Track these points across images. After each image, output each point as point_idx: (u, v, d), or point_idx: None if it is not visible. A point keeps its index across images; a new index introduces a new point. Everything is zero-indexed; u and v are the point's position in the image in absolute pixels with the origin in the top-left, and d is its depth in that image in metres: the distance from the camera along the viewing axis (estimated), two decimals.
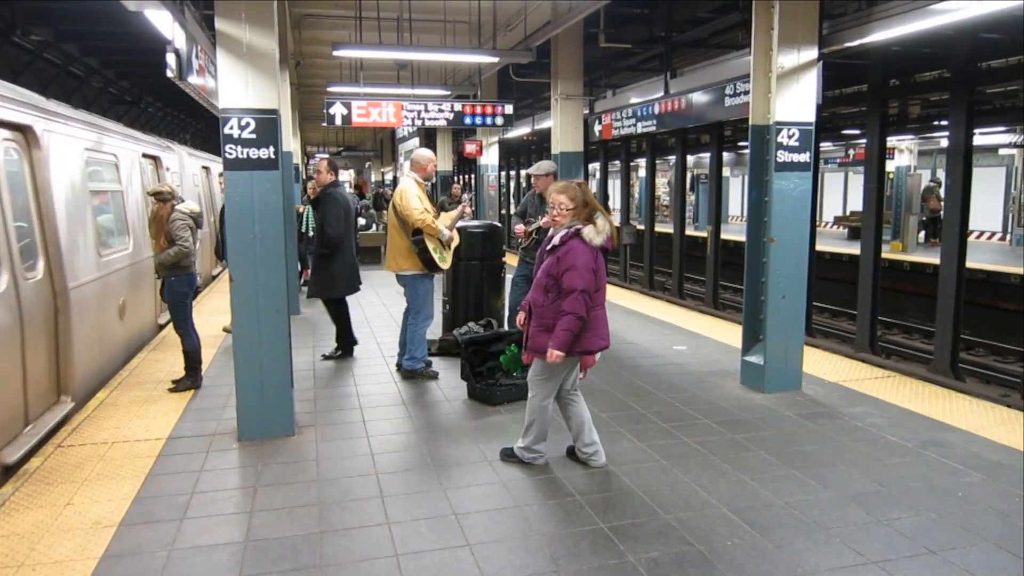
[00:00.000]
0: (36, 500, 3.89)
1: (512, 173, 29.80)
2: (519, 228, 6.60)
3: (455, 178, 14.12)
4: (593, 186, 24.76)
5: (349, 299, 7.04)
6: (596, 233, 3.96)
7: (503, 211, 24.06)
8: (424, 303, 6.15)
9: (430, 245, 5.91)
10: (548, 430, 4.34)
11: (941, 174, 20.48)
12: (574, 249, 3.96)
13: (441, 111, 9.15)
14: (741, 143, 20.26)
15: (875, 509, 3.76)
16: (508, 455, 4.43)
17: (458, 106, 9.25)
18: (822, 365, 6.57)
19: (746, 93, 7.18)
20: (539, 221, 6.18)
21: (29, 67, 10.66)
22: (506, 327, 6.87)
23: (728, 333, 7.94)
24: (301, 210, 10.45)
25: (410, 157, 6.30)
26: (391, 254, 6.15)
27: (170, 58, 4.90)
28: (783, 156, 5.62)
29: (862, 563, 3.25)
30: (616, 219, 22.05)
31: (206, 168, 13.75)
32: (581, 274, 3.92)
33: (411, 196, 5.94)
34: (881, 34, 6.28)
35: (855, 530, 3.55)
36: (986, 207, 19.93)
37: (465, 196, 7.73)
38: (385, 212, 15.99)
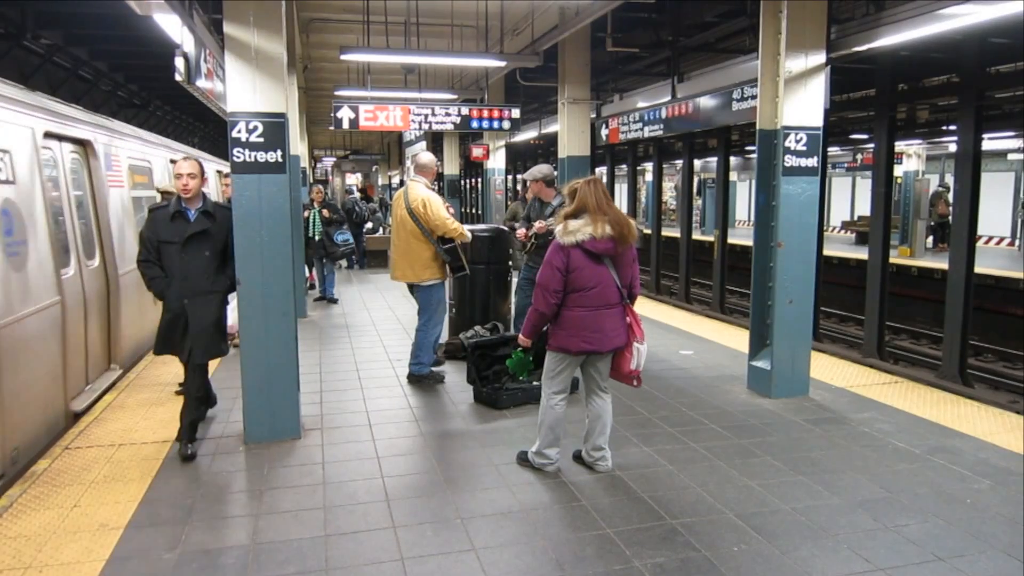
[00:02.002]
0: (43, 502, 3.90)
1: (519, 177, 29.83)
2: (520, 232, 6.61)
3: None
4: None
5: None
6: (564, 232, 3.98)
7: None
8: (437, 310, 6.16)
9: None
10: (560, 437, 4.31)
11: (949, 179, 20.42)
12: (551, 246, 4.08)
13: (448, 115, 9.17)
14: (748, 147, 20.24)
15: (883, 515, 3.74)
16: (523, 459, 4.42)
17: (465, 110, 9.27)
18: (829, 370, 6.54)
19: (753, 97, 7.16)
20: (535, 226, 6.21)
21: (39, 71, 10.74)
22: (512, 331, 6.87)
23: (735, 338, 7.92)
24: (307, 214, 10.47)
25: (415, 161, 6.32)
26: (409, 264, 6.02)
27: (179, 62, 4.92)
28: (791, 160, 5.61)
29: (870, 570, 3.24)
30: None
31: (82, 145, 6.49)
32: (543, 270, 4.04)
33: (439, 204, 5.93)
34: (889, 39, 6.26)
35: (863, 536, 3.53)
36: (995, 212, 19.85)
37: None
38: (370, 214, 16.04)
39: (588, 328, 4.01)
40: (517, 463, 4.42)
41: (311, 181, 15.90)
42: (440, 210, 5.90)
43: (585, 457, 4.37)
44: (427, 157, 6.24)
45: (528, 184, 6.54)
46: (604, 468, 4.30)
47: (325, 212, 10.62)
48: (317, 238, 10.56)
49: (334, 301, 10.63)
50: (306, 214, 10.47)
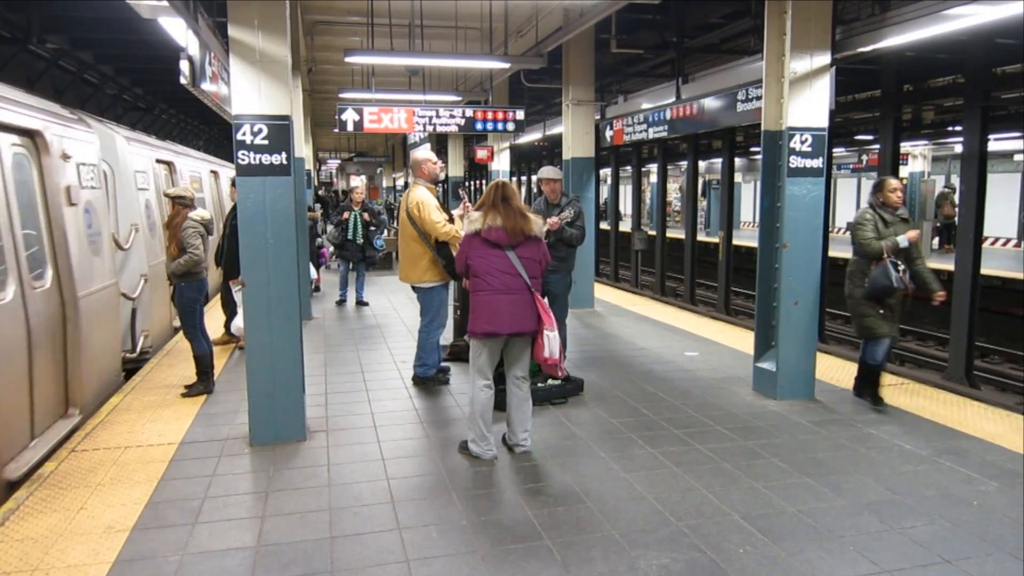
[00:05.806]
0: (50, 504, 3.91)
1: (523, 178, 29.86)
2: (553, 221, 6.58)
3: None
4: (604, 192, 24.75)
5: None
6: (468, 223, 4.48)
7: None
8: (439, 311, 6.14)
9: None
10: (490, 423, 4.52)
11: (955, 180, 20.35)
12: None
13: (452, 117, 9.17)
14: (753, 148, 20.22)
15: (889, 517, 3.73)
16: (463, 448, 4.63)
17: (469, 112, 9.27)
18: (835, 372, 6.52)
19: (758, 98, 7.15)
20: (547, 223, 6.18)
21: (45, 75, 10.79)
22: None
23: (740, 339, 7.90)
24: (347, 216, 10.43)
25: (410, 162, 6.25)
26: (410, 265, 6.03)
27: (183, 65, 4.94)
28: (796, 161, 5.60)
29: (876, 572, 3.22)
30: (627, 225, 22.00)
31: (30, 137, 5.23)
32: (456, 254, 4.65)
33: (431, 209, 5.86)
34: (894, 39, 6.25)
35: (869, 539, 3.52)
36: (1001, 213, 19.77)
37: (461, 192, 7.59)
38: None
39: (489, 310, 4.34)
40: (459, 452, 4.63)
41: (316, 184, 15.90)
42: (432, 214, 5.82)
43: (508, 438, 4.68)
44: (419, 154, 6.12)
45: (542, 182, 6.48)
46: (523, 450, 4.60)
47: (366, 215, 10.57)
48: (360, 241, 10.50)
49: (365, 303, 10.56)
50: (345, 216, 10.43)
